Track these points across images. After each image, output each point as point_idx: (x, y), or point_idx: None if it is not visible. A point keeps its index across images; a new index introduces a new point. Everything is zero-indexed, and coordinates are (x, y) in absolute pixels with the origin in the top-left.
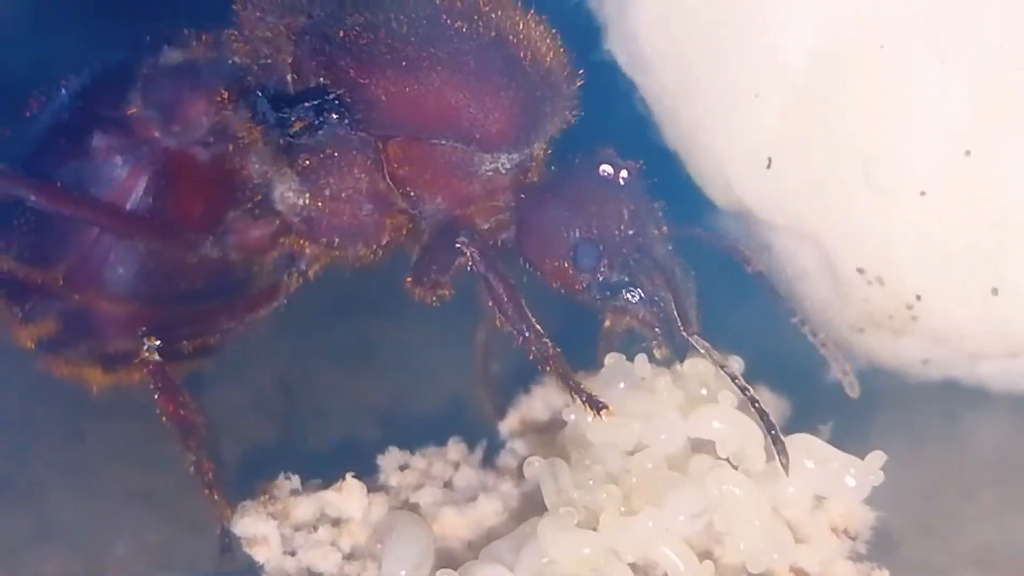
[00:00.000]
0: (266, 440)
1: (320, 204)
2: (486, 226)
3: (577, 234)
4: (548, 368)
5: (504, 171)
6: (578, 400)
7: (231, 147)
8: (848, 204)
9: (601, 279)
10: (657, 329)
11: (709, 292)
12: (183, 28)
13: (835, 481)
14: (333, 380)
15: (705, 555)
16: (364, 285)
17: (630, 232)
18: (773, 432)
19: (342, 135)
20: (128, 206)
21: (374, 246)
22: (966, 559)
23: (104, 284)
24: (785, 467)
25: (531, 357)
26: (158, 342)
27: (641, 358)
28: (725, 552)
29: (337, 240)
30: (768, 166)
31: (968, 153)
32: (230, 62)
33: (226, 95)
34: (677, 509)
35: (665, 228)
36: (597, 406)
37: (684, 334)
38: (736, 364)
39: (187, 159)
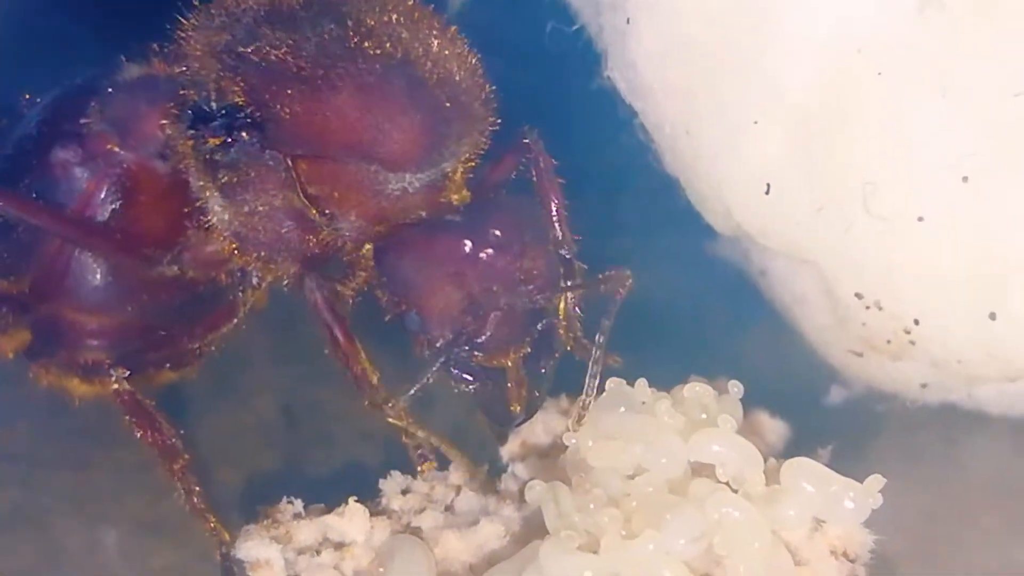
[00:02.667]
0: (269, 465)
1: (241, 220)
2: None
3: (405, 297)
4: (382, 415)
5: (413, 191)
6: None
7: (179, 162)
8: (846, 230)
9: (427, 347)
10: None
11: (708, 316)
12: (151, 44)
13: (834, 504)
14: (335, 405)
15: None
16: (365, 310)
17: (463, 308)
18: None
19: (253, 153)
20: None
21: (304, 262)
22: None
23: (68, 294)
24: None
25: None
26: (127, 372)
27: (641, 382)
28: (725, 575)
29: (265, 255)
30: (767, 192)
31: (966, 179)
32: (176, 78)
33: (174, 110)
34: (677, 532)
35: (541, 299)
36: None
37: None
38: (735, 389)
39: (144, 173)
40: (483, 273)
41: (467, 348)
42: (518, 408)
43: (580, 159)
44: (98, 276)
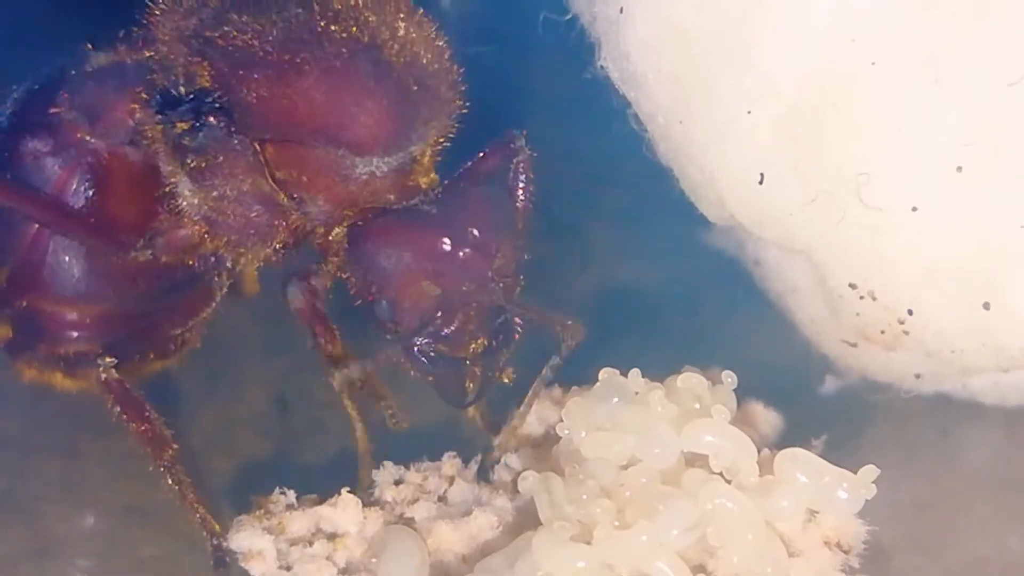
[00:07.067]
0: (262, 455)
1: (210, 204)
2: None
3: (378, 285)
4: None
5: (381, 175)
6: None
7: (149, 147)
8: (840, 220)
9: (392, 333)
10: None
11: (703, 307)
12: (116, 31)
13: (828, 495)
14: (328, 395)
15: (699, 569)
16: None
17: (436, 303)
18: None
19: (221, 137)
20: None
21: (275, 246)
22: (959, 573)
23: (45, 285)
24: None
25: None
26: (113, 360)
27: (635, 372)
28: (719, 566)
29: (235, 239)
30: (760, 182)
31: (960, 169)
32: (144, 63)
33: (143, 95)
34: (671, 523)
35: (501, 294)
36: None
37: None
38: (729, 379)
39: (115, 160)
40: (459, 272)
41: (432, 340)
42: (471, 389)
43: (573, 149)
44: (74, 266)
